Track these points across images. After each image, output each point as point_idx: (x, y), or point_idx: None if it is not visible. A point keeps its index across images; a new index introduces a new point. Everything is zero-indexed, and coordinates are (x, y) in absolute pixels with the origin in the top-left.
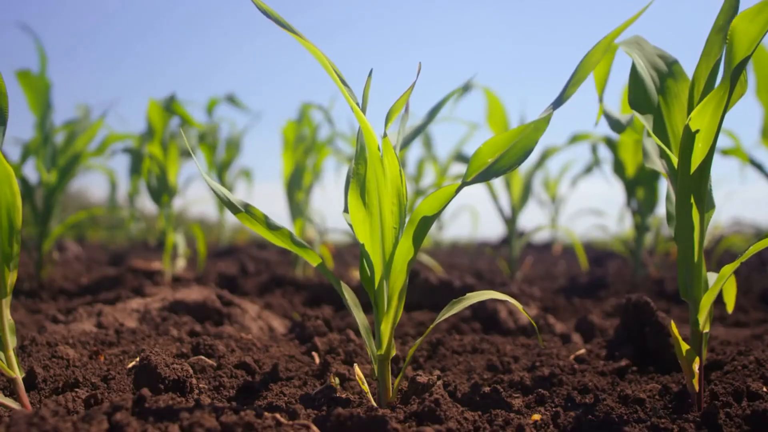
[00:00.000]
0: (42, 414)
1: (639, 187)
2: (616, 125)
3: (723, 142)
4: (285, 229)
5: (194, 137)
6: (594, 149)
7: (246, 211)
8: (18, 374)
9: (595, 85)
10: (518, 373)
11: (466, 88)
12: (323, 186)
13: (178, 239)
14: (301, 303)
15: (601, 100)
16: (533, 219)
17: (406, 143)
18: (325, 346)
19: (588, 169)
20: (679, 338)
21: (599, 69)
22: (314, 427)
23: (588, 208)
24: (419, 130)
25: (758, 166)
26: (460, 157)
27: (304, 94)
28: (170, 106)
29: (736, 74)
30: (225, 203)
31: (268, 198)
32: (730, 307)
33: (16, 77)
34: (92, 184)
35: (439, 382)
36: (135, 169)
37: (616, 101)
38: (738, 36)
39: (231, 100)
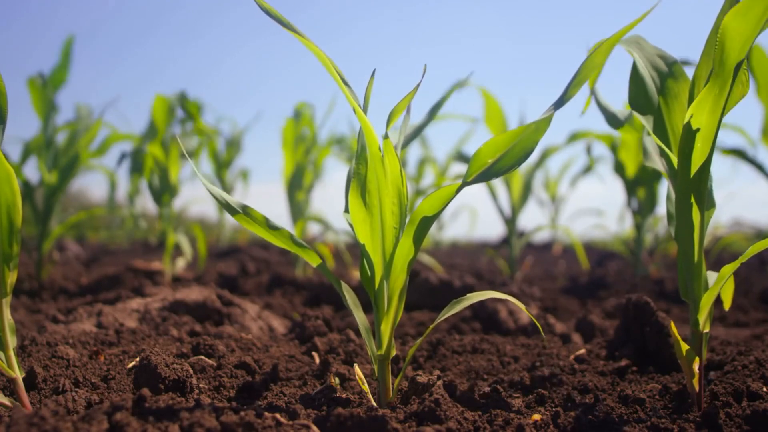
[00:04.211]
0: (42, 414)
1: (639, 187)
2: (612, 120)
3: (731, 139)
4: (285, 230)
5: (195, 137)
6: (588, 150)
7: (244, 212)
8: (18, 374)
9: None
10: (518, 373)
11: (461, 83)
12: (324, 186)
13: (181, 240)
14: (301, 303)
15: (591, 90)
16: (533, 219)
17: (407, 143)
18: (325, 346)
19: (587, 168)
20: (679, 338)
21: None
22: (314, 427)
23: (588, 207)
24: (419, 130)
25: (759, 166)
26: (460, 157)
27: (304, 93)
28: (182, 103)
29: (736, 71)
30: (223, 205)
31: (268, 198)
32: (727, 305)
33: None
34: (92, 184)
35: (439, 382)
36: (135, 169)
37: (617, 101)
38: (729, 33)
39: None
